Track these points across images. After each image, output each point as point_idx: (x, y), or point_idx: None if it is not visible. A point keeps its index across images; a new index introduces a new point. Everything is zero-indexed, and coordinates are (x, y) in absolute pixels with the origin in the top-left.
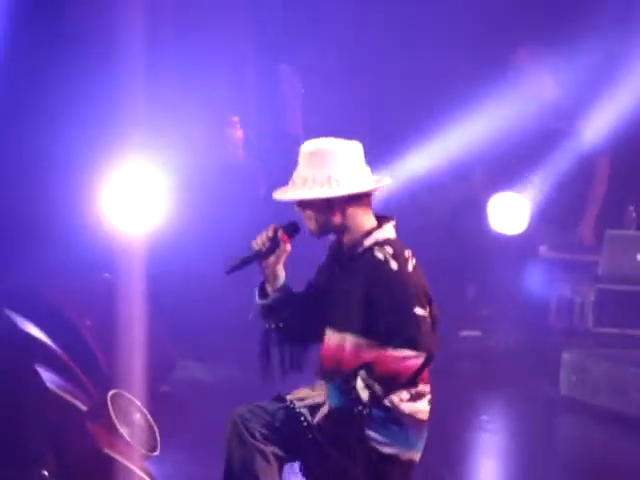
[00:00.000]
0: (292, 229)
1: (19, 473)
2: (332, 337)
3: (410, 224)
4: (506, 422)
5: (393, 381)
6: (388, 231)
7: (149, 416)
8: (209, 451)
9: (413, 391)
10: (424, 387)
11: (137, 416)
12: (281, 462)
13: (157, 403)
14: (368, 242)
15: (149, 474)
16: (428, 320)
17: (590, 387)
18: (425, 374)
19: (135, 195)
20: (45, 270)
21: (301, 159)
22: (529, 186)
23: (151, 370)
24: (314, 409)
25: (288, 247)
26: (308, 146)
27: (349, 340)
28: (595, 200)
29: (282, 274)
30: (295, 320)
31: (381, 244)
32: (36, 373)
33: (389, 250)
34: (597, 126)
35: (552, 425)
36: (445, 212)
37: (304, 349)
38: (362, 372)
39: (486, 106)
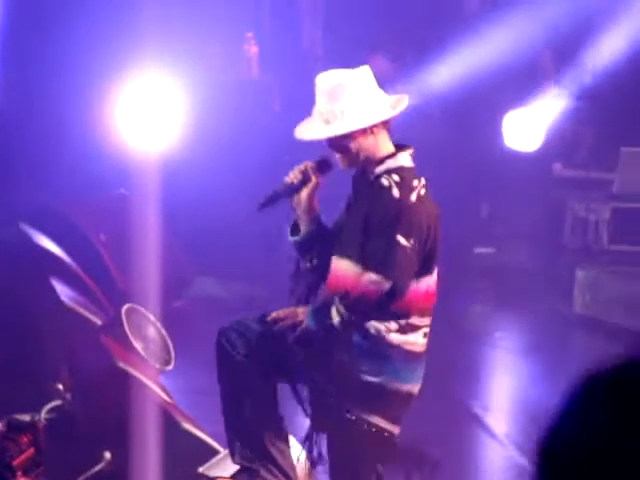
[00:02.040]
0: (324, 165)
1: (34, 387)
2: (335, 263)
3: (425, 140)
4: (520, 339)
5: (361, 305)
6: (402, 159)
7: (163, 331)
8: None
9: (403, 322)
10: (419, 320)
11: (151, 330)
12: (273, 380)
13: (171, 318)
14: (379, 170)
15: (163, 388)
16: (409, 252)
17: (604, 305)
18: (422, 306)
19: (149, 109)
20: (60, 185)
21: (317, 94)
22: (544, 102)
23: (166, 285)
24: (294, 328)
25: (319, 180)
26: (321, 81)
27: (347, 266)
28: None
29: (315, 209)
30: (327, 255)
31: (391, 172)
32: (51, 287)
33: (395, 178)
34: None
35: (566, 342)
36: (460, 129)
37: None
38: (336, 298)
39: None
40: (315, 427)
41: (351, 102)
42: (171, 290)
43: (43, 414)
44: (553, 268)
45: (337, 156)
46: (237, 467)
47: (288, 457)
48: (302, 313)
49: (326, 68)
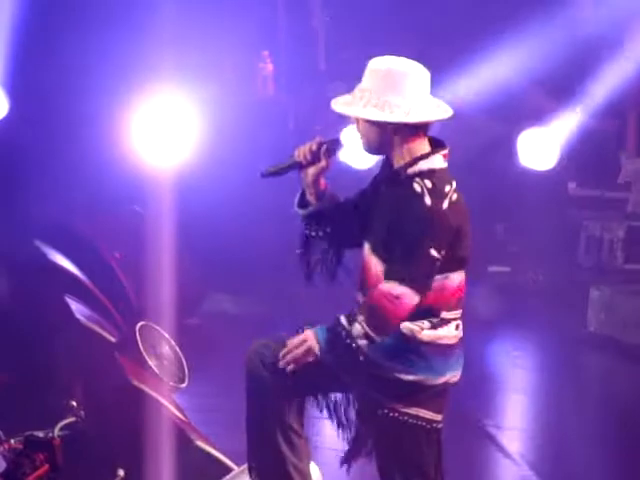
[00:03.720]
0: (335, 145)
1: (48, 404)
2: (367, 255)
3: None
4: (535, 358)
5: (394, 326)
6: (436, 161)
7: (177, 348)
8: (236, 383)
9: (434, 320)
10: (448, 314)
11: (165, 348)
12: (301, 394)
13: (185, 335)
14: (412, 170)
15: (177, 406)
16: (438, 264)
17: (619, 323)
18: (453, 301)
19: (164, 128)
20: (75, 203)
21: (368, 74)
22: (561, 121)
23: (180, 302)
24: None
25: (329, 163)
26: (377, 63)
27: (375, 263)
28: None
29: (321, 185)
30: (336, 228)
31: (423, 175)
32: (66, 304)
33: (428, 184)
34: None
35: (580, 361)
36: (476, 149)
37: (342, 254)
38: (360, 317)
39: (519, 40)
40: (364, 430)
41: (410, 97)
42: (185, 307)
43: (57, 431)
44: (567, 287)
45: (360, 137)
46: None
47: None
48: (310, 337)
49: (339, 85)
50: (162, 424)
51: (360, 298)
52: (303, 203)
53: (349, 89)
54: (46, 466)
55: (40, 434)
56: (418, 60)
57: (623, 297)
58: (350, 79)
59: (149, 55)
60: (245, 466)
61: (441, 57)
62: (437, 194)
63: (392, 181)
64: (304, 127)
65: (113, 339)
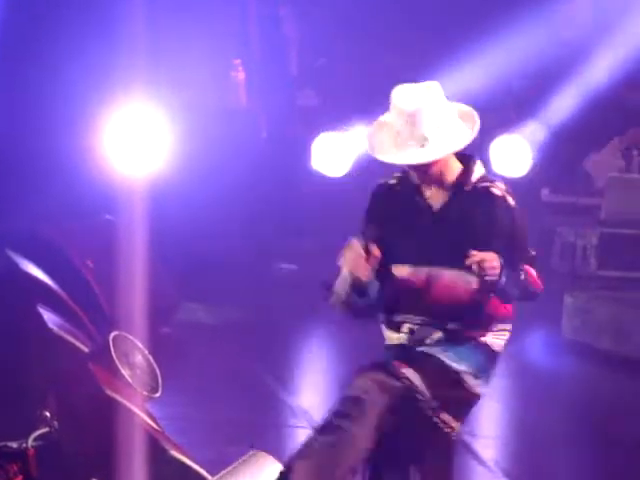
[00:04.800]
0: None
1: (21, 414)
2: (444, 275)
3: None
4: (509, 365)
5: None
6: (481, 167)
7: (151, 358)
8: (209, 393)
9: (494, 328)
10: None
11: (139, 358)
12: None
13: (159, 345)
14: (475, 177)
15: (150, 416)
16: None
17: (593, 330)
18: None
19: (137, 137)
20: (47, 211)
21: (404, 116)
22: (532, 128)
23: (153, 312)
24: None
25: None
26: (406, 103)
27: (466, 278)
28: None
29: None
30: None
31: (485, 179)
32: (38, 314)
33: (501, 186)
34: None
35: (554, 367)
36: None
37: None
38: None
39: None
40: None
41: (440, 126)
42: (158, 316)
43: (30, 442)
44: (542, 293)
45: (414, 173)
46: None
47: None
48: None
49: (310, 93)
50: (136, 434)
51: (413, 318)
52: (361, 293)
53: (319, 97)
54: (20, 477)
55: (14, 445)
56: (389, 69)
57: (597, 303)
58: (321, 86)
59: (121, 63)
60: (220, 475)
61: (411, 64)
62: (510, 193)
63: (455, 194)
64: (276, 135)
65: (86, 349)
